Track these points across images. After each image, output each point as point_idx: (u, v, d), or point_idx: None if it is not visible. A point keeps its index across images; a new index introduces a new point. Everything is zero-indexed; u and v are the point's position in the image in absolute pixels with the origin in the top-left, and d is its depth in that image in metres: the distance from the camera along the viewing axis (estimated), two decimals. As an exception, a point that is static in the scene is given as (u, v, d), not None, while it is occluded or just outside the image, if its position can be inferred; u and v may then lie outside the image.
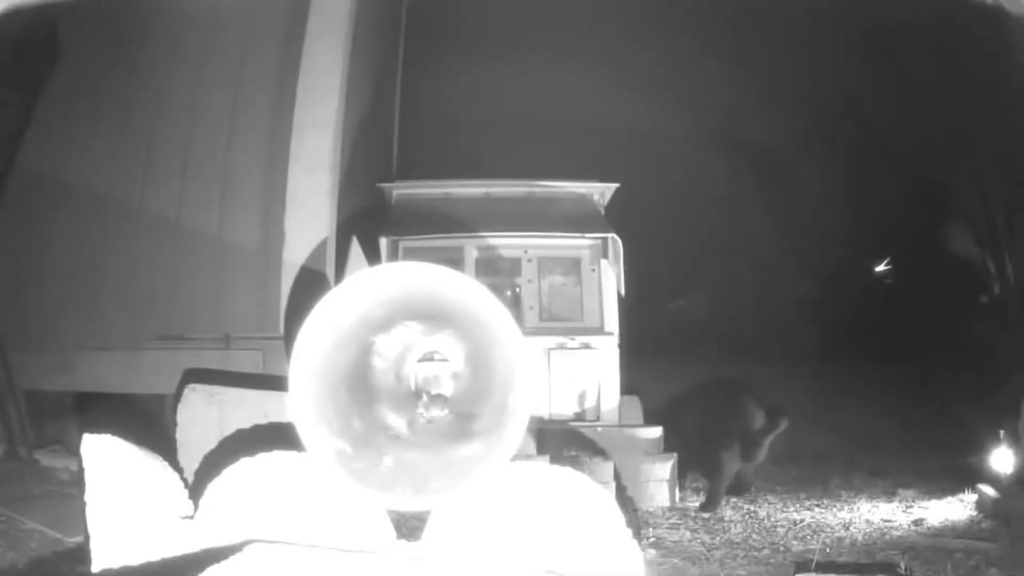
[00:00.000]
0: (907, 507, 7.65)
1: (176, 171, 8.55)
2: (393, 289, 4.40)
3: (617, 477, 7.16)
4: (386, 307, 4.51)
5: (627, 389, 8.05)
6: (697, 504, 7.75)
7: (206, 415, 5.88)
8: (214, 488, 4.32)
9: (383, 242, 7.88)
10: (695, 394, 9.11)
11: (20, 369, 8.13)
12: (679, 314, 15.21)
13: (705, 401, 8.63)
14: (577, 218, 8.21)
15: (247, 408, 5.81)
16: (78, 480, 4.50)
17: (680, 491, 7.89)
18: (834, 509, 7.64)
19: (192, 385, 6.08)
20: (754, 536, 6.71)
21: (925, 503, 7.75)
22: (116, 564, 4.18)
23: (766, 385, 9.20)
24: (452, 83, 12.71)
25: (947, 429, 9.12)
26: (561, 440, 7.22)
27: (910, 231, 13.54)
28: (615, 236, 7.96)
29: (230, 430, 5.68)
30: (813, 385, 11.09)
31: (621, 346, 7.99)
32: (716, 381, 9.68)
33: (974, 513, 7.26)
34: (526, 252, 8.19)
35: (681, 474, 7.93)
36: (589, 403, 7.83)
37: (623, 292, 8.08)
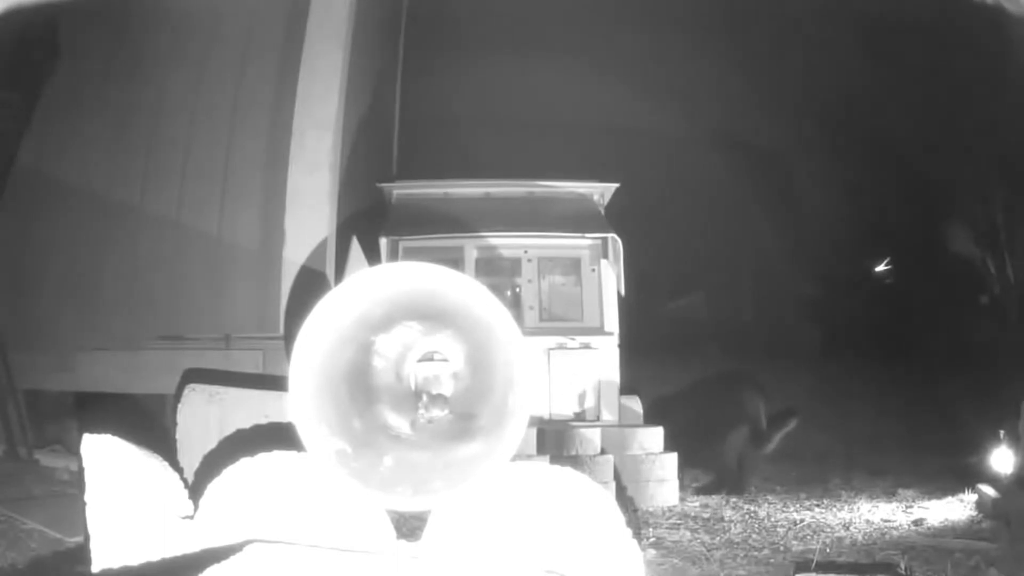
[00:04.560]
0: (907, 507, 7.64)
1: (176, 171, 8.56)
2: (393, 289, 4.39)
3: (617, 477, 7.19)
4: (386, 307, 4.51)
5: (627, 389, 8.06)
6: (697, 504, 7.75)
7: (206, 415, 5.87)
8: (214, 488, 4.31)
9: (383, 242, 7.89)
10: (698, 386, 9.15)
11: (20, 369, 8.13)
12: (679, 314, 15.21)
13: (709, 389, 8.68)
14: (577, 218, 8.22)
15: (247, 408, 5.80)
16: (78, 480, 4.48)
17: (680, 491, 7.90)
18: (834, 509, 7.63)
19: (192, 385, 6.07)
20: (754, 536, 6.70)
21: (925, 503, 7.74)
22: (116, 564, 4.17)
23: (766, 385, 9.21)
24: (452, 83, 12.72)
25: (947, 429, 9.12)
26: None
27: (910, 231, 13.54)
28: (615, 236, 7.98)
29: (230, 430, 5.67)
30: (813, 385, 11.08)
31: (621, 346, 8.00)
32: (718, 373, 9.73)
33: (974, 513, 7.25)
34: (526, 252, 8.21)
35: (681, 473, 7.94)
36: (589, 403, 7.84)
37: (623, 292, 8.09)
